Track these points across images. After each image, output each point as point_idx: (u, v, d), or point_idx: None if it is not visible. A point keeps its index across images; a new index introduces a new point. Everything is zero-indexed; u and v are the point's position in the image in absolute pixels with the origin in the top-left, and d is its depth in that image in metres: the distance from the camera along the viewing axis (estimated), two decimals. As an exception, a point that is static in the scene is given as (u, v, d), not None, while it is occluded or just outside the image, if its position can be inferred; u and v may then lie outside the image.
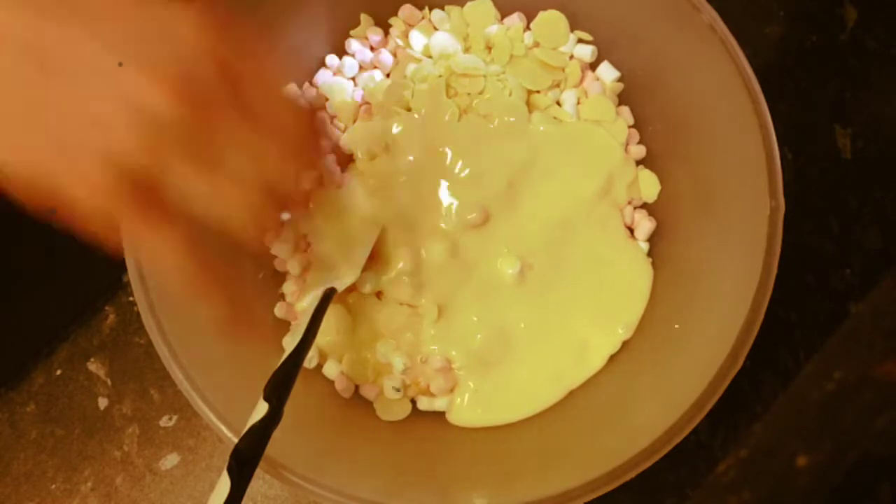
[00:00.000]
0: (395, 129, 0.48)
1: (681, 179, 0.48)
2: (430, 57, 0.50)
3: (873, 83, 0.53)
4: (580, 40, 0.51)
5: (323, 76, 0.51)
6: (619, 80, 0.50)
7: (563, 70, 0.50)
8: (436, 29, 0.51)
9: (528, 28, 0.51)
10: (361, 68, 0.51)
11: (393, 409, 0.47)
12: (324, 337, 0.46)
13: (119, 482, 0.48)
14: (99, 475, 0.48)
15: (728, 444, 0.46)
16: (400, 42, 0.51)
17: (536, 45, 0.51)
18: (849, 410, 0.41)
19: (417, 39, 0.51)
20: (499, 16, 0.51)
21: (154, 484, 0.48)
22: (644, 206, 0.50)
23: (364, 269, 0.46)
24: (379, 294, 0.47)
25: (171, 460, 0.49)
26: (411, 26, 0.51)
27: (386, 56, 0.51)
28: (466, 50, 0.51)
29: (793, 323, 0.49)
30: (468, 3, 0.51)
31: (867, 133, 0.52)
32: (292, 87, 0.50)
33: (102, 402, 0.49)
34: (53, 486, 0.48)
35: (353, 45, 0.51)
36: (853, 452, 0.40)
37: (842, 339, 0.46)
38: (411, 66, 0.50)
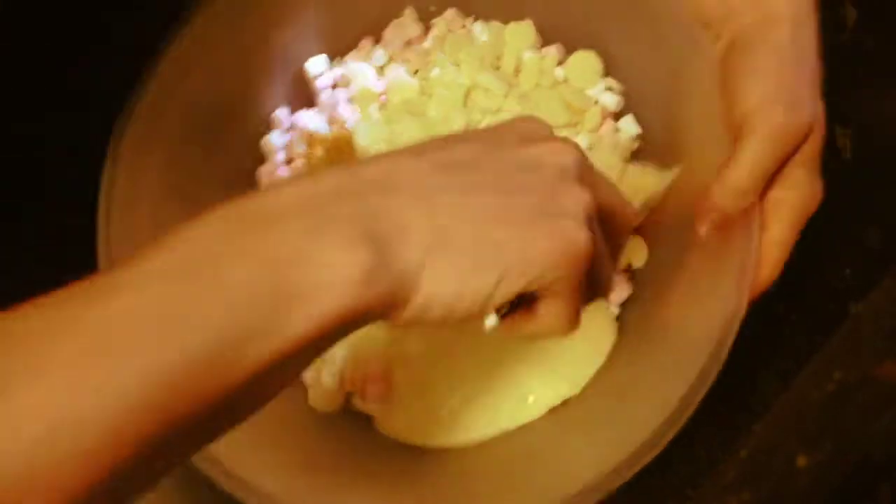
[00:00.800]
0: (404, 131, 0.48)
1: (671, 248, 0.45)
2: (458, 65, 0.50)
3: (873, 83, 0.53)
4: (609, 88, 0.50)
5: (353, 58, 0.51)
6: (640, 137, 0.49)
7: (584, 112, 0.49)
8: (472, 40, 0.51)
9: (562, 62, 0.51)
10: (391, 59, 0.51)
11: (325, 399, 0.46)
12: None
13: (119, 482, 0.48)
14: (99, 475, 0.48)
15: (728, 444, 0.46)
16: (431, 43, 0.51)
17: (565, 80, 0.50)
18: (849, 411, 0.41)
19: (450, 45, 0.51)
20: (539, 43, 0.51)
21: (154, 484, 0.48)
22: (626, 270, 0.48)
23: None
24: None
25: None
26: (450, 31, 0.51)
27: (418, 53, 0.51)
28: (496, 68, 0.50)
29: (793, 323, 0.49)
30: (512, 23, 0.51)
31: (867, 133, 0.52)
32: (320, 59, 0.50)
33: (102, 403, 0.49)
34: (53, 487, 0.48)
35: (389, 34, 0.51)
36: (853, 453, 0.40)
37: (842, 339, 0.46)
38: (436, 70, 0.50)
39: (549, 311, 0.32)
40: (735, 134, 0.38)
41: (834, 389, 0.43)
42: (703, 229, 0.39)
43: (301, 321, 0.25)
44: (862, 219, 0.50)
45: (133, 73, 0.44)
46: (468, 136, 0.33)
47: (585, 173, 0.32)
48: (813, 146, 0.38)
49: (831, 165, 0.40)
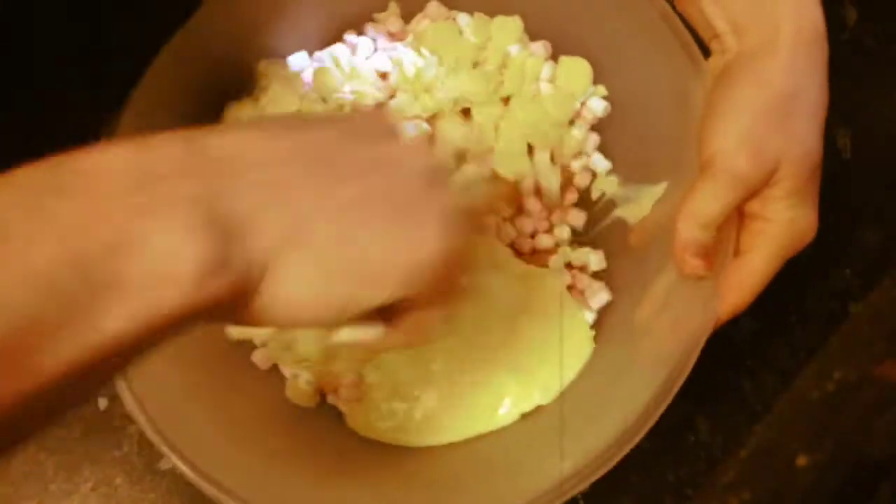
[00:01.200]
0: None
1: (653, 260, 0.44)
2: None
3: (873, 83, 0.53)
4: (599, 95, 0.49)
5: (336, 51, 0.50)
6: (627, 148, 0.48)
7: (560, 134, 0.48)
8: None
9: (547, 59, 0.49)
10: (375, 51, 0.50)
11: (301, 395, 0.46)
12: None
13: (119, 482, 0.48)
14: (99, 475, 0.48)
15: (728, 444, 0.46)
16: (412, 38, 0.50)
17: (551, 82, 0.49)
18: (849, 410, 0.41)
19: (432, 35, 0.49)
20: (526, 39, 0.50)
21: (154, 484, 0.48)
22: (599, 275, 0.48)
23: None
24: None
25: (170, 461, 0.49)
26: (433, 21, 0.50)
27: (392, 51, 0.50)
28: (482, 62, 0.49)
29: (793, 323, 0.49)
30: (498, 17, 0.49)
31: (867, 133, 0.52)
32: (302, 55, 0.49)
33: (102, 402, 0.49)
34: (53, 486, 0.48)
35: (372, 29, 0.50)
36: (853, 453, 0.40)
37: (842, 339, 0.46)
38: (410, 67, 0.49)
39: (404, 325, 0.30)
40: (701, 167, 0.38)
41: (834, 389, 0.43)
42: (682, 266, 0.38)
43: (121, 319, 0.21)
44: (862, 219, 0.50)
45: (133, 73, 0.44)
46: (323, 123, 0.29)
47: (440, 177, 0.30)
48: (798, 178, 0.37)
49: (831, 165, 0.40)
